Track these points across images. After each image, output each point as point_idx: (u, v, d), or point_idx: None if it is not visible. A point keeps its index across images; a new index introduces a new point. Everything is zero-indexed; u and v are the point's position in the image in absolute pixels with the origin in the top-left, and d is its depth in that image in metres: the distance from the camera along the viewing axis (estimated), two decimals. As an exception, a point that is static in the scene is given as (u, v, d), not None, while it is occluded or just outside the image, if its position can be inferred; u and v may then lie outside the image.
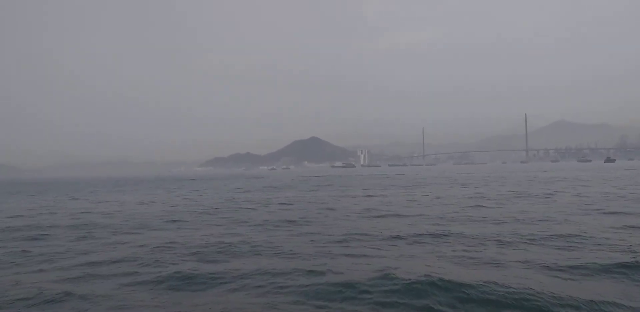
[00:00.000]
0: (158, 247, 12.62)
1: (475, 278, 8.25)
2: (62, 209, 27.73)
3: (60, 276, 9.72)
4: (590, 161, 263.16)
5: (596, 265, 9.07)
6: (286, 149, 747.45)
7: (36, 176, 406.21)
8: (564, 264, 9.29)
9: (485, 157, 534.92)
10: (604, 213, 17.62)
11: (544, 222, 15.48)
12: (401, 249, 11.56)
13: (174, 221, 19.00)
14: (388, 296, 7.61)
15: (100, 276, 9.60)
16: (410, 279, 8.23)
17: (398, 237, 13.19)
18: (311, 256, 10.98)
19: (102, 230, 16.83)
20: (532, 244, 11.64)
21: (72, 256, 11.97)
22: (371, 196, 31.42)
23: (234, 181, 76.94)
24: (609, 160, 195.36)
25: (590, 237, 12.27)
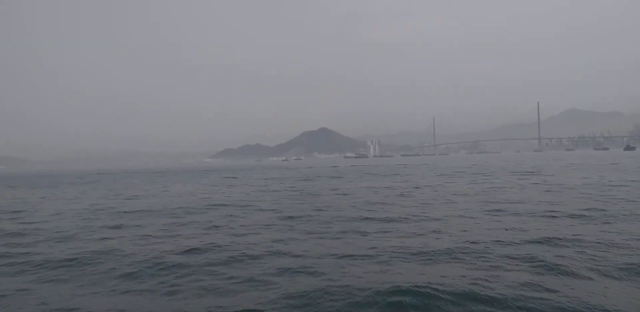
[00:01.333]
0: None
1: None
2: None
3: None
4: (607, 149, 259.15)
5: None
6: (295, 140, 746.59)
7: (49, 168, 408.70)
8: None
9: (495, 147, 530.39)
10: None
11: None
12: None
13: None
14: None
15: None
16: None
17: None
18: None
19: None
20: None
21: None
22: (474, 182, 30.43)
23: (268, 172, 75.24)
24: (629, 148, 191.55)
25: None
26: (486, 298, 6.67)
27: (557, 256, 8.95)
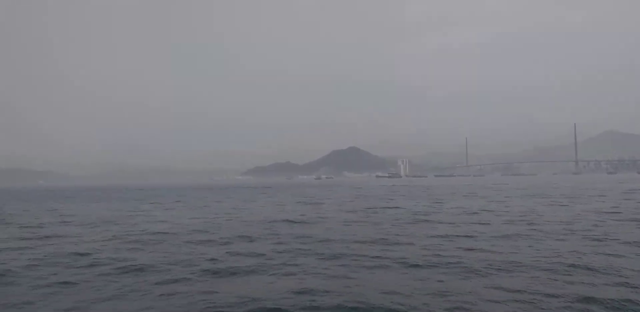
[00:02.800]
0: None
1: None
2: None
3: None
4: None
5: None
6: (324, 159, 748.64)
7: (88, 184, 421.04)
8: None
9: (529, 168, 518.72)
10: None
11: None
12: None
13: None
14: None
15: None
16: None
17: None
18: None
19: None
20: None
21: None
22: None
23: (322, 190, 75.28)
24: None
25: None
26: None
27: None
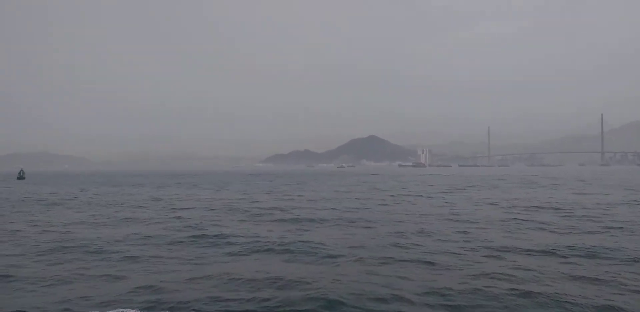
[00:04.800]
0: None
1: None
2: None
3: None
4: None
5: None
6: (344, 147, 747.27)
7: (110, 169, 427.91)
8: None
9: (553, 159, 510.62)
10: None
11: None
12: None
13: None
14: None
15: None
16: None
17: None
18: None
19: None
20: None
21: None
22: None
23: (366, 178, 75.22)
24: None
25: None
26: None
27: None
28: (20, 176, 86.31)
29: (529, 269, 10.16)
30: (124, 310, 7.24)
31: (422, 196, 33.05)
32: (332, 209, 23.74)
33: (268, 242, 13.78)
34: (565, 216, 19.94)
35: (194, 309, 7.49)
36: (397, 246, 13.10)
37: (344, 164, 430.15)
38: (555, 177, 73.06)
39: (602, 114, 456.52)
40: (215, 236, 14.89)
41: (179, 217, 19.96)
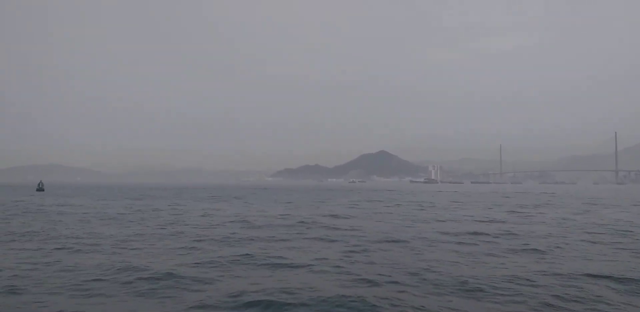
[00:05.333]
0: None
1: None
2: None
3: None
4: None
5: None
6: (354, 162, 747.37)
7: (124, 181, 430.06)
8: None
9: (565, 177, 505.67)
10: None
11: None
12: None
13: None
14: None
15: None
16: None
17: None
18: None
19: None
20: None
21: None
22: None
23: (396, 195, 73.36)
24: None
25: None
26: None
27: None
28: (40, 188, 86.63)
29: None
30: None
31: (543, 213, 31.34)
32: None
33: None
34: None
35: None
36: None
37: (355, 180, 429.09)
38: (595, 196, 71.40)
39: (615, 132, 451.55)
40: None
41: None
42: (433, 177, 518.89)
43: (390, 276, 11.30)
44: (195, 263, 12.80)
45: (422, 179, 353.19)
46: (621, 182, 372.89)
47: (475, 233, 20.14)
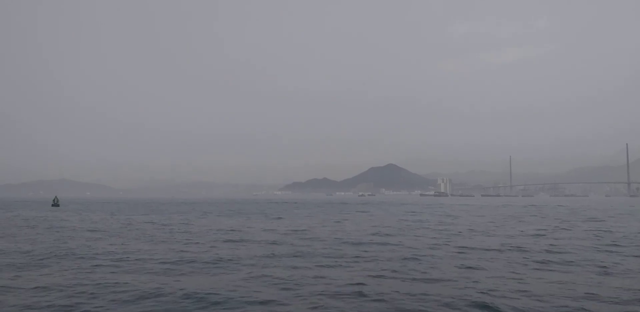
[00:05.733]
0: None
1: None
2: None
3: None
4: None
5: None
6: (362, 176, 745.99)
7: (132, 197, 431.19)
8: None
9: (576, 189, 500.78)
10: None
11: None
12: None
13: None
14: None
15: None
16: None
17: None
18: None
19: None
20: None
21: None
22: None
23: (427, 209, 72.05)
24: None
25: None
26: None
27: None
28: (55, 203, 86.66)
29: None
30: None
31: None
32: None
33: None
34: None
35: None
36: None
37: (364, 193, 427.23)
38: (628, 209, 70.05)
39: (627, 144, 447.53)
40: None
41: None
42: (442, 190, 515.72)
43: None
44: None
45: (432, 193, 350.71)
46: (634, 194, 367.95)
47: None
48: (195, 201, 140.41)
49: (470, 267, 15.13)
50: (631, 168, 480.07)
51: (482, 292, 11.40)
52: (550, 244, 21.77)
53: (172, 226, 34.39)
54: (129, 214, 55.61)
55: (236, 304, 10.30)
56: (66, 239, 24.52)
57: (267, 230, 30.46)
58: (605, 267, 15.33)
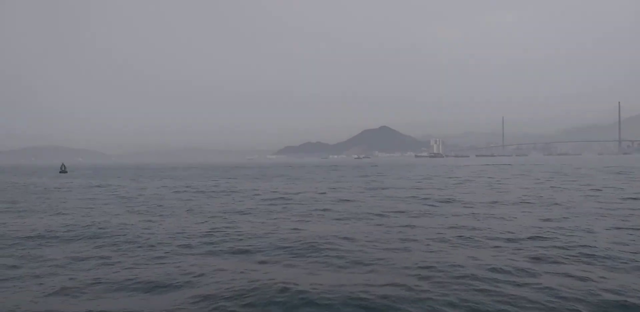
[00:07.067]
0: None
1: None
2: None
3: None
4: None
5: None
6: (355, 138, 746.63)
7: (123, 162, 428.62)
8: None
9: (568, 148, 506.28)
10: None
11: None
12: None
13: None
14: None
15: None
16: None
17: None
18: None
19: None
20: None
21: None
22: None
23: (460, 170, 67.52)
24: None
25: None
26: None
27: None
28: (63, 170, 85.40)
29: None
30: None
31: None
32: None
33: None
34: None
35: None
36: None
37: (360, 156, 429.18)
38: (629, 166, 70.08)
39: (619, 102, 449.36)
40: None
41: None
42: (435, 151, 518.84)
43: None
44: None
45: (426, 154, 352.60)
46: (627, 152, 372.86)
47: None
48: (200, 166, 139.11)
49: None
50: (622, 126, 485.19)
51: None
52: None
53: (254, 191, 29.45)
54: (158, 180, 52.19)
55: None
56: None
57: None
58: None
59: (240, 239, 11.56)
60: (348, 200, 21.60)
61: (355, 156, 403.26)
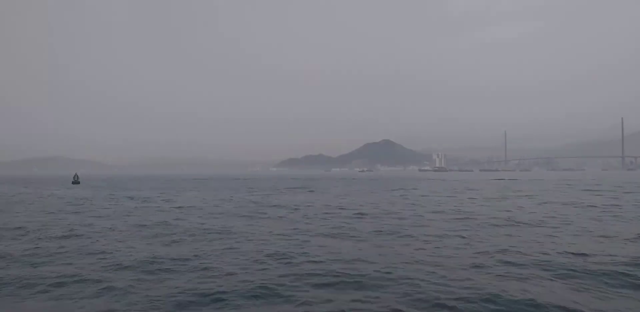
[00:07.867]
0: None
1: None
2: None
3: None
4: None
5: None
6: (358, 152, 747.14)
7: (126, 173, 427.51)
8: None
9: (571, 164, 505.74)
10: None
11: None
12: None
13: None
14: None
15: None
16: None
17: None
18: None
19: None
20: None
21: None
22: None
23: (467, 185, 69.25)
24: None
25: None
26: None
27: None
28: (75, 181, 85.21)
29: None
30: None
31: None
32: None
33: None
34: None
35: None
36: None
37: (364, 169, 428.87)
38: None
39: (622, 118, 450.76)
40: None
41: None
42: (437, 165, 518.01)
43: None
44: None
45: (429, 168, 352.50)
46: (630, 168, 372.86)
47: None
48: (212, 178, 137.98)
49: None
50: (625, 142, 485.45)
51: None
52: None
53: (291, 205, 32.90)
54: (181, 191, 53.40)
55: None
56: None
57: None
58: None
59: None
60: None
61: (359, 169, 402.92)
